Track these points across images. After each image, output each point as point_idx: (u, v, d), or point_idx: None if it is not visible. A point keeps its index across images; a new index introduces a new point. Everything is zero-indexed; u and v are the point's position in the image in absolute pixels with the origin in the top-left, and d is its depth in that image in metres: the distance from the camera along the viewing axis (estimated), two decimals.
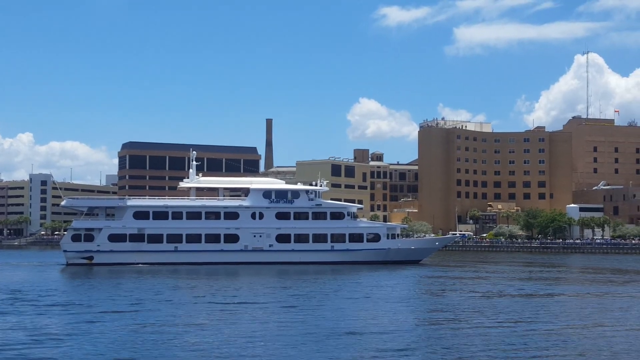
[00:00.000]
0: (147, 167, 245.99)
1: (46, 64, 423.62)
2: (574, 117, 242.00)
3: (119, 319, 38.09)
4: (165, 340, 31.04)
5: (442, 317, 40.06)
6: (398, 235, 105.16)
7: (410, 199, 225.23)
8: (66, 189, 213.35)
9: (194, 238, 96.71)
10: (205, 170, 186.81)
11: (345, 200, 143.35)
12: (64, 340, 31.11)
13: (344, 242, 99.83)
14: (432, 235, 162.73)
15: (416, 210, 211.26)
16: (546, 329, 35.15)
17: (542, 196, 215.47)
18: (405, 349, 29.39)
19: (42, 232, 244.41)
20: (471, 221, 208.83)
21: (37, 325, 35.97)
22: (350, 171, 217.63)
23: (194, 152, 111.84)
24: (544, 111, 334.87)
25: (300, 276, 74.25)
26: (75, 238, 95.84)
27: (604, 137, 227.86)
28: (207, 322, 36.98)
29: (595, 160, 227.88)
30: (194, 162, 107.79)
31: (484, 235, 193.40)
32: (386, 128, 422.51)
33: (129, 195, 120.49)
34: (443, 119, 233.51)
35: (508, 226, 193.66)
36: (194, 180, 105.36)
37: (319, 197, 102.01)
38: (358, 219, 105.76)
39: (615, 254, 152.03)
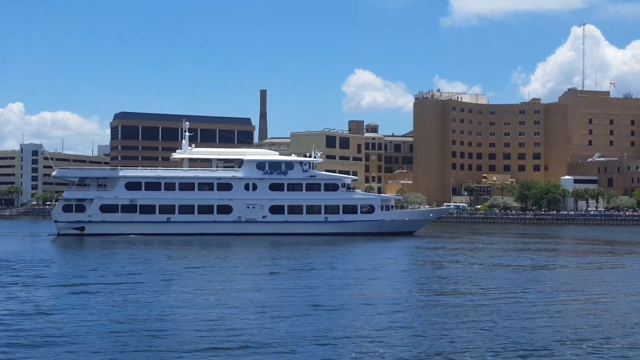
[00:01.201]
0: (140, 138, 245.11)
1: (37, 33, 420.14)
2: (569, 89, 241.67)
3: (112, 291, 38.02)
4: (158, 313, 31.01)
5: (436, 288, 40.15)
6: (392, 206, 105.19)
7: (405, 171, 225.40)
8: (57, 159, 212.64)
9: (186, 209, 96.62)
10: (198, 141, 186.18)
11: (340, 172, 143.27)
12: (55, 313, 31.02)
13: (338, 213, 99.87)
14: (427, 206, 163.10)
15: (411, 182, 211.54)
16: (540, 300, 35.26)
17: (537, 168, 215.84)
18: (400, 321, 29.43)
19: (34, 203, 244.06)
20: (466, 193, 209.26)
21: (27, 297, 35.87)
22: (344, 143, 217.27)
23: (187, 122, 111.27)
24: (540, 83, 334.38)
25: (293, 247, 74.31)
26: (67, 208, 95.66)
27: (600, 109, 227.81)
28: (200, 294, 36.95)
29: (590, 132, 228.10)
30: (187, 133, 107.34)
31: (478, 206, 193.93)
32: (381, 99, 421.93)
33: (121, 166, 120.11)
34: (439, 90, 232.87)
35: (502, 198, 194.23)
36: (187, 151, 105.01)
37: (313, 169, 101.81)
38: (352, 191, 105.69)
39: (609, 226, 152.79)
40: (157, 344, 24.55)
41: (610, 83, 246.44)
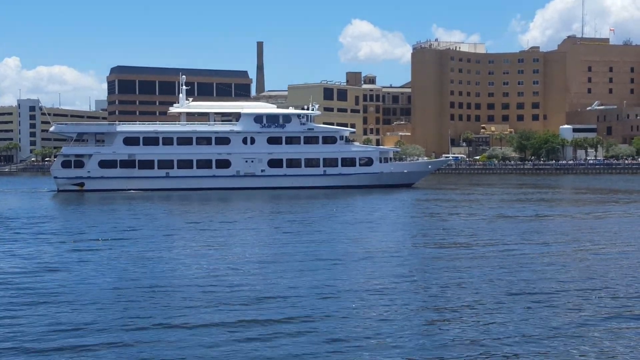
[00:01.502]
0: (137, 92, 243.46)
1: None
2: (569, 37, 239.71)
3: (115, 245, 38.00)
4: (161, 268, 31.00)
5: (437, 240, 40.13)
6: (391, 158, 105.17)
7: (403, 122, 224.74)
8: (55, 115, 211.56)
9: (185, 164, 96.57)
10: (195, 94, 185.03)
11: (338, 124, 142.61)
12: (57, 269, 30.97)
13: (337, 166, 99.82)
14: (425, 158, 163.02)
15: (409, 134, 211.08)
16: (543, 250, 35.27)
17: (535, 117, 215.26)
18: (402, 273, 29.43)
19: (33, 159, 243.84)
20: (464, 144, 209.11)
21: (29, 253, 35.83)
22: (342, 95, 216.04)
23: (184, 76, 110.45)
24: (539, 31, 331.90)
25: (293, 201, 74.34)
26: (65, 164, 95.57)
27: (599, 56, 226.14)
28: (202, 249, 36.96)
29: (589, 80, 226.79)
30: (184, 87, 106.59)
31: (477, 157, 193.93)
32: (379, 50, 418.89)
33: (119, 121, 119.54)
34: (437, 40, 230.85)
35: (501, 148, 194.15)
36: (184, 105, 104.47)
37: (310, 121, 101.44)
38: (350, 143, 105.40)
39: (608, 174, 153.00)
40: (160, 299, 24.54)
41: (610, 30, 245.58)
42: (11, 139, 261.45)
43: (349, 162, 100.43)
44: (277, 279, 28.03)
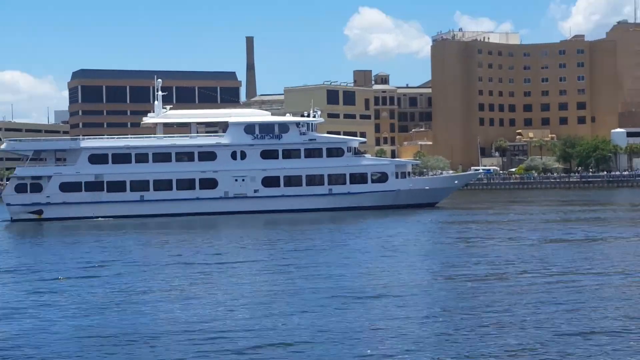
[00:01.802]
0: (104, 100, 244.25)
1: None
2: (619, 22, 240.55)
3: (81, 286, 37.92)
4: (135, 311, 30.90)
5: (468, 272, 39.99)
6: (409, 173, 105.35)
7: (423, 129, 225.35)
8: (7, 130, 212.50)
9: (163, 185, 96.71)
10: (174, 102, 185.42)
11: (345, 134, 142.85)
12: (14, 314, 30.90)
13: (344, 183, 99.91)
14: (451, 172, 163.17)
15: (430, 143, 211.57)
16: (599, 281, 35.10)
17: (581, 120, 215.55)
18: (426, 311, 29.28)
19: None
20: (497, 153, 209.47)
21: None
22: (349, 98, 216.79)
23: (160, 80, 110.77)
24: (583, 16, 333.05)
25: (293, 227, 74.36)
26: (20, 189, 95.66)
27: None
28: (185, 287, 36.87)
29: None
30: (160, 93, 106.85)
31: (513, 170, 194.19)
32: (392, 43, 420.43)
33: (83, 135, 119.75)
34: (460, 29, 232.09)
35: (541, 158, 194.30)
36: (161, 114, 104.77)
37: (312, 131, 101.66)
38: (360, 156, 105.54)
39: None
40: (137, 349, 24.41)
41: None
42: None
43: (359, 178, 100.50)
44: (277, 323, 27.90)
